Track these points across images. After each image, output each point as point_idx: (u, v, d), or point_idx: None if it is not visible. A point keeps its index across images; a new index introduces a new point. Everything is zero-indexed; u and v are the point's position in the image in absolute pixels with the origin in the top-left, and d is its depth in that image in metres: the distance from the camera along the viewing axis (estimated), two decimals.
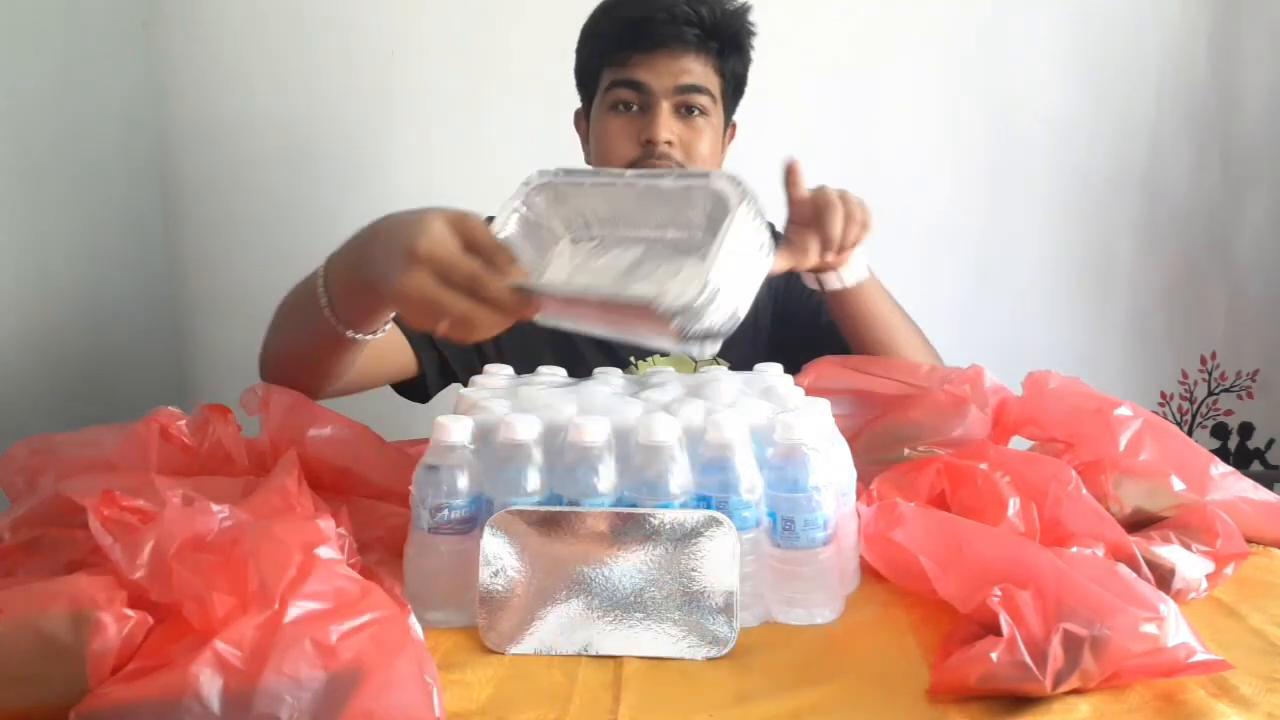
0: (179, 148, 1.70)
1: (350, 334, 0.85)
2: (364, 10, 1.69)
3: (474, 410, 0.78)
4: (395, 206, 0.78)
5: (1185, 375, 1.92)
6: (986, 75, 1.79)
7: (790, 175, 0.96)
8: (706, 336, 0.69)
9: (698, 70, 1.11)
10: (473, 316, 0.71)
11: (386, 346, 1.01)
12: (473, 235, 0.72)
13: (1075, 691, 0.60)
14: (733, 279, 0.69)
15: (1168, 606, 0.61)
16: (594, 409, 0.77)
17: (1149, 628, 0.60)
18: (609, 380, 0.90)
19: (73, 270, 1.46)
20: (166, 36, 1.66)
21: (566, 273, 0.80)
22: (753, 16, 1.17)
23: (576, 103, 1.24)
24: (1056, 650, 0.59)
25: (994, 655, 0.59)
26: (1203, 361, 1.91)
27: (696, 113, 1.12)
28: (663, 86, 1.09)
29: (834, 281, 1.03)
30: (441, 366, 1.14)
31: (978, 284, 1.84)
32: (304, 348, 0.92)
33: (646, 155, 1.10)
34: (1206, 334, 1.91)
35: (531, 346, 1.11)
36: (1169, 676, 0.61)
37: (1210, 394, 1.93)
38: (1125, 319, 1.89)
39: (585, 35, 1.18)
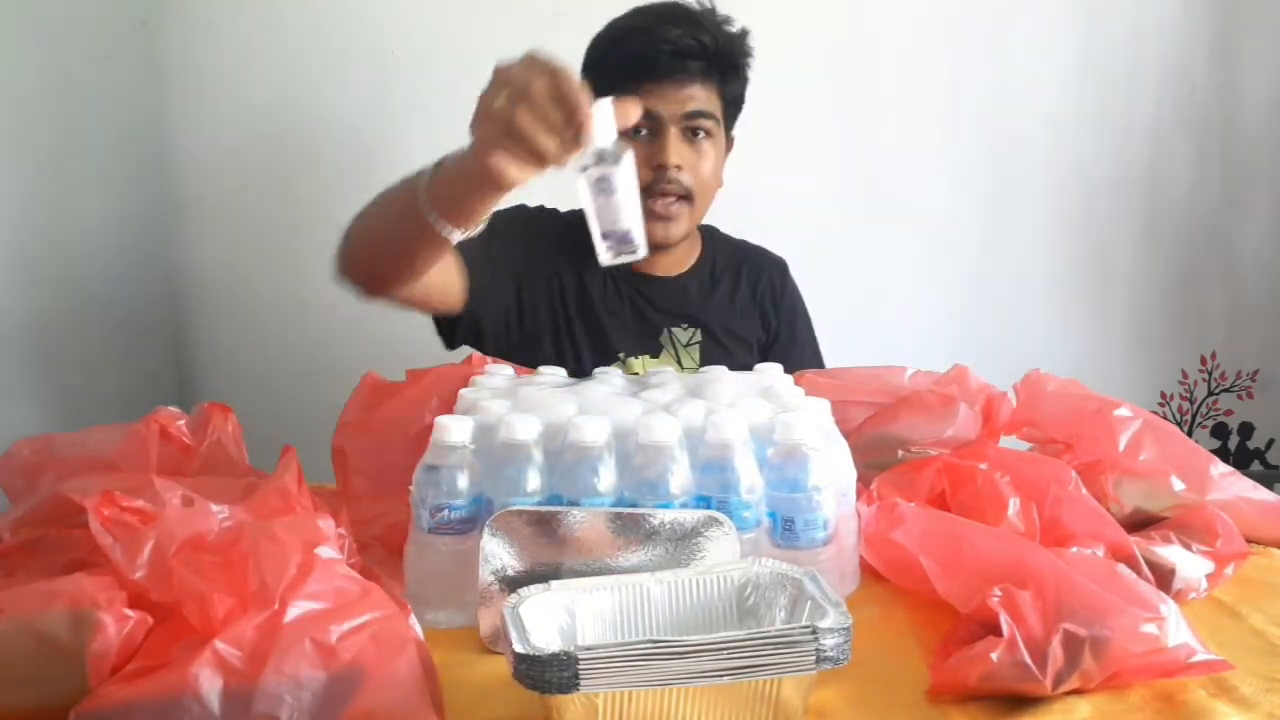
0: (179, 147, 1.70)
1: (442, 227, 0.88)
2: (363, 10, 1.69)
3: (474, 410, 0.78)
4: None
5: (1185, 375, 1.92)
6: (987, 76, 1.79)
7: None
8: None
9: (702, 96, 1.17)
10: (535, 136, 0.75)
11: (452, 269, 1.09)
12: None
13: (1075, 691, 0.60)
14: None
15: (1168, 607, 0.61)
16: (594, 409, 0.77)
17: (1149, 628, 0.60)
18: (609, 380, 0.90)
19: (72, 270, 1.46)
20: (166, 36, 1.66)
21: None
22: (751, 29, 1.20)
23: None
24: (1057, 650, 0.59)
25: (994, 655, 0.59)
26: (1203, 361, 1.91)
27: (702, 135, 1.18)
28: (670, 114, 1.15)
29: None
30: (474, 316, 1.17)
31: (978, 284, 1.84)
32: (394, 240, 0.94)
33: (658, 180, 1.15)
34: (1206, 334, 1.90)
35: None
36: (1169, 677, 0.61)
37: (1210, 394, 1.93)
38: (1125, 319, 1.89)
39: (592, 66, 1.19)
